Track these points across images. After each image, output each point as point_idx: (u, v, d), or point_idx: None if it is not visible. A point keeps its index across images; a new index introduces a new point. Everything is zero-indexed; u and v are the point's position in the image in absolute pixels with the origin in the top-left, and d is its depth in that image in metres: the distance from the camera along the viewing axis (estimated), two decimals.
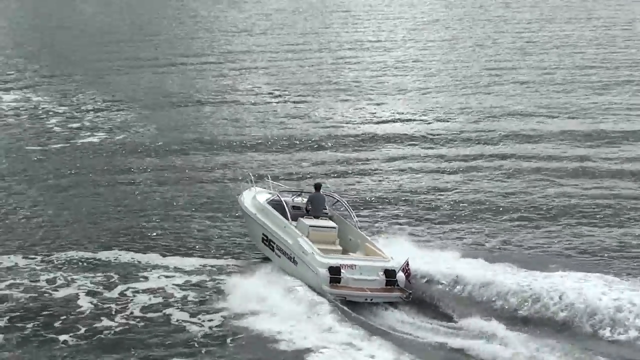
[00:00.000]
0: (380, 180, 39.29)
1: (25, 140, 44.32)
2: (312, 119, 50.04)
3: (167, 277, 27.63)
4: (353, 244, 28.75)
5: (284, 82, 59.31)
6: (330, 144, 44.98)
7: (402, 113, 51.62)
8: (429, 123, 49.33)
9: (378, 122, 49.55)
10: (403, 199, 36.69)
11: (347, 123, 49.30)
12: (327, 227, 28.30)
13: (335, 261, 26.04)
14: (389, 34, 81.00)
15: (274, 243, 28.60)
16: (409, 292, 25.87)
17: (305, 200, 30.16)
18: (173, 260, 29.02)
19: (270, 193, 30.87)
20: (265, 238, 29.18)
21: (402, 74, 62.81)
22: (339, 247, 27.99)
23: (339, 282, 25.54)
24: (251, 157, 42.19)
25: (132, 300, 25.79)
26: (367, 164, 41.96)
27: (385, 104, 53.99)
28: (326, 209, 29.97)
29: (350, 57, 68.79)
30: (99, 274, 27.67)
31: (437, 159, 42.52)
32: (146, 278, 27.47)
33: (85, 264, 28.75)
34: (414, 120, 49.99)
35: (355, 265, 26.22)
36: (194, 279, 27.23)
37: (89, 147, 43.45)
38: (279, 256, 28.39)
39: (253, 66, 65.06)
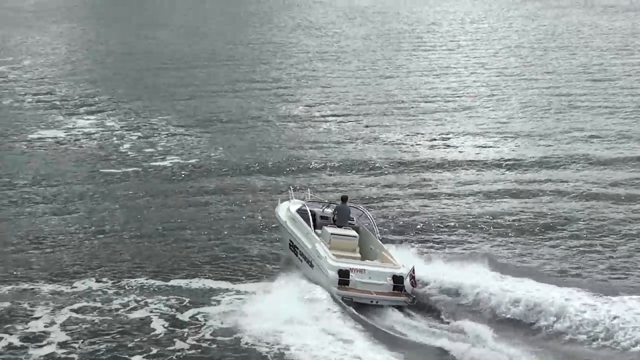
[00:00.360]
0: (449, 205, 39.62)
1: (99, 164, 45.00)
2: (383, 143, 50.26)
3: (238, 300, 28.00)
4: (373, 253, 30.47)
5: (355, 107, 59.52)
6: (400, 168, 45.51)
7: (473, 138, 51.62)
8: (499, 148, 49.30)
9: (448, 147, 49.73)
10: (471, 222, 37.18)
11: (416, 147, 49.56)
12: (348, 236, 30.39)
13: (345, 265, 28.14)
14: (460, 61, 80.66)
15: (298, 248, 30.65)
16: (413, 297, 27.81)
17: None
18: (244, 285, 29.39)
19: (302, 203, 33.00)
20: (291, 244, 31.30)
21: (473, 100, 62.57)
22: (358, 255, 29.88)
23: (347, 285, 27.70)
24: (320, 180, 42.87)
25: (203, 323, 26.21)
26: (436, 188, 42.30)
27: (456, 129, 53.92)
28: (352, 219, 31.96)
29: (422, 83, 68.74)
30: (171, 298, 28.13)
31: (507, 183, 42.85)
32: (217, 302, 27.90)
33: (157, 287, 29.27)
34: (485, 145, 50.00)
35: (364, 270, 28.26)
36: (264, 304, 27.23)
37: (161, 170, 44.10)
38: (301, 260, 30.44)
39: (325, 91, 65.25)
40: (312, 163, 45.80)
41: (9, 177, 42.46)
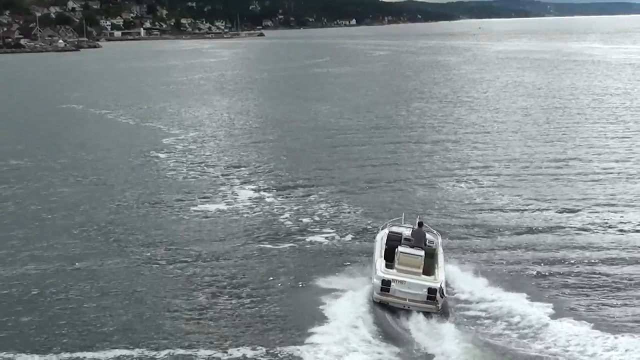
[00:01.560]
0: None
1: (258, 236, 46.10)
2: (539, 211, 49.83)
3: None
4: (433, 270, 35.44)
5: (511, 176, 59.01)
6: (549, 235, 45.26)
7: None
8: None
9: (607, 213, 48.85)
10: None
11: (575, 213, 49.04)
12: (413, 255, 35.75)
13: (389, 276, 34.08)
14: (619, 134, 78.54)
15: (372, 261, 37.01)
16: (439, 307, 33.08)
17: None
18: None
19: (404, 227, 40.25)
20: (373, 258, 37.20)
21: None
22: (420, 270, 35.00)
23: (388, 292, 33.59)
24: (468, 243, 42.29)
25: None
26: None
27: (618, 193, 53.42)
28: (432, 242, 37.64)
29: (575, 153, 67.04)
30: None
31: None
32: None
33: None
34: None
35: (404, 282, 33.73)
36: None
37: (314, 243, 44.62)
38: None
39: (481, 162, 64.55)
40: (467, 231, 46.14)
41: (174, 249, 44.03)
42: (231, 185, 58.90)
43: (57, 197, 56.35)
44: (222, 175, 62.87)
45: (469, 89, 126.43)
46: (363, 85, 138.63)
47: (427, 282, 33.91)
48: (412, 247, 36.55)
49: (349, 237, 45.22)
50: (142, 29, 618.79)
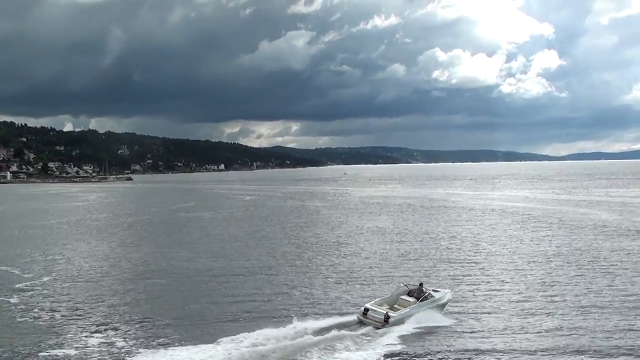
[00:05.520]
0: None
1: None
2: None
3: None
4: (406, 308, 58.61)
5: None
6: None
7: None
8: None
9: None
10: None
11: None
12: (406, 300, 59.94)
13: (369, 307, 57.63)
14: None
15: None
16: (386, 324, 55.59)
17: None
18: None
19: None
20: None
21: None
22: (405, 308, 58.12)
23: (366, 315, 56.92)
24: None
25: None
26: None
27: None
28: (425, 295, 59.96)
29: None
30: None
31: None
32: None
33: None
34: None
35: (376, 310, 56.87)
36: None
37: None
38: None
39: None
40: None
41: None
42: (82, 330, 58.74)
43: None
44: (73, 319, 62.64)
45: (326, 233, 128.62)
46: (225, 229, 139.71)
47: (386, 311, 56.53)
48: (409, 296, 60.38)
49: None
50: (8, 172, 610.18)
